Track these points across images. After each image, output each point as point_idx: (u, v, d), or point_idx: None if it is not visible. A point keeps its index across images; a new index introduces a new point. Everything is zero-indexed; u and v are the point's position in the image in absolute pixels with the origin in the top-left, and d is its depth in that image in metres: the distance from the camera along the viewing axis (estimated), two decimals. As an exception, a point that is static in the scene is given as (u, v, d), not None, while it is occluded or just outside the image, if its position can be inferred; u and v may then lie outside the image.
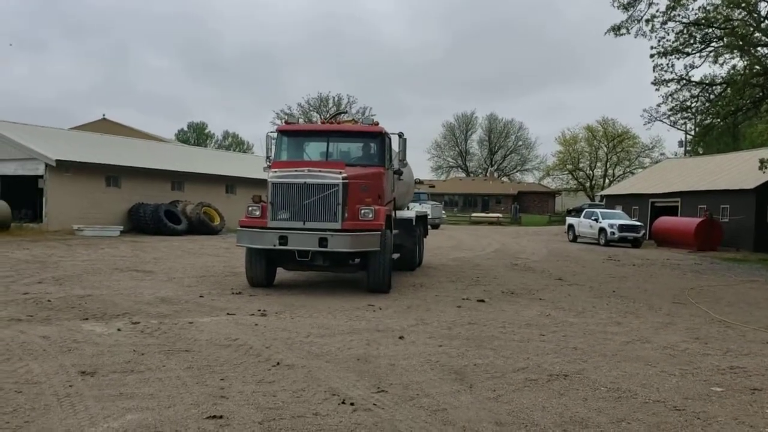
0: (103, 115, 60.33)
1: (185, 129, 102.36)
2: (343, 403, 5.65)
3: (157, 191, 32.56)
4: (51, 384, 6.02)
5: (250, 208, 12.42)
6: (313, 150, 14.60)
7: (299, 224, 11.96)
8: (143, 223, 29.97)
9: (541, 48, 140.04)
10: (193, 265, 17.01)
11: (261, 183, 45.65)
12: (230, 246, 24.55)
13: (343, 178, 12.05)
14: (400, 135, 13.94)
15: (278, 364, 6.95)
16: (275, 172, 12.46)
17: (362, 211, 12.14)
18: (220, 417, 5.20)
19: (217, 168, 38.47)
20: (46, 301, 10.54)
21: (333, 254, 12.21)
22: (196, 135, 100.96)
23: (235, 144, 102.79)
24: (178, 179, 34.48)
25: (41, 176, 28.21)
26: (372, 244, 12.05)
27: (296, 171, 12.33)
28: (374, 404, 5.65)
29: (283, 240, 11.82)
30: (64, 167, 28.06)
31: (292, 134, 14.59)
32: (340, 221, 11.93)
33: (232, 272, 15.57)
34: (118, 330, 8.50)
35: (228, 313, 9.96)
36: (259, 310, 10.23)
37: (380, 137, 13.88)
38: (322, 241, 11.71)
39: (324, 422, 5.17)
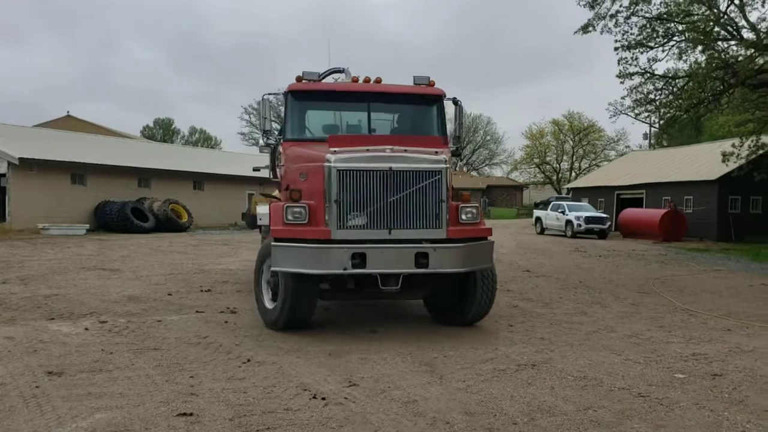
0: (68, 111, 59.34)
1: (151, 125, 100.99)
2: (314, 398, 5.68)
3: (124, 188, 32.19)
4: (16, 385, 5.93)
5: (288, 209, 8.03)
6: (343, 120, 10.62)
7: (383, 234, 7.97)
8: (110, 220, 29.59)
9: (539, 41, 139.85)
10: (161, 263, 16.84)
11: (231, 179, 45.00)
12: (199, 243, 24.40)
13: (445, 162, 8.28)
14: (455, 101, 10.14)
15: (249, 360, 6.95)
16: (337, 153, 8.09)
17: (465, 210, 8.51)
18: (190, 414, 5.19)
19: (185, 164, 38.12)
20: (10, 302, 10.36)
21: (433, 278, 8.55)
22: (162, 131, 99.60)
23: (202, 140, 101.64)
24: (144, 176, 34.09)
25: (4, 174, 27.68)
26: (486, 259, 8.58)
27: (373, 151, 8.14)
28: (345, 398, 5.69)
29: (360, 260, 7.73)
30: (27, 165, 27.58)
31: (311, 97, 10.06)
32: (444, 227, 8.13)
33: (200, 270, 15.46)
34: (86, 329, 8.40)
35: (197, 311, 9.90)
36: (228, 308, 10.19)
37: (440, 102, 10.11)
38: (420, 259, 7.85)
39: (295, 417, 5.19)
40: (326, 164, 8.02)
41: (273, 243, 7.98)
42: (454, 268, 8.03)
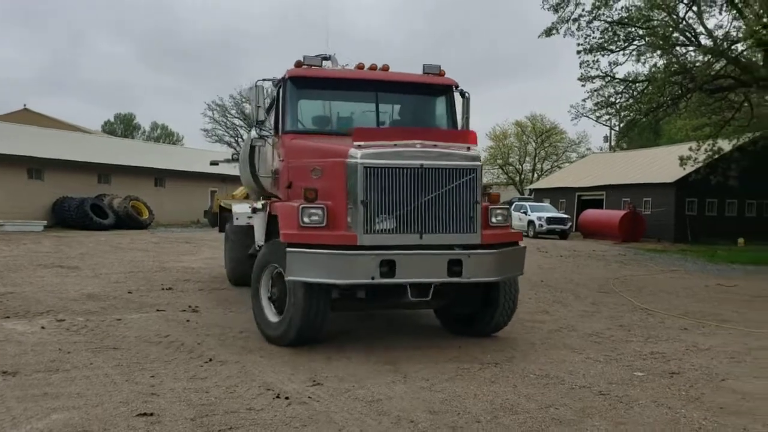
0: (24, 105, 57.89)
1: (111, 120, 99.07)
2: (277, 397, 5.63)
3: (83, 184, 31.59)
4: (-31, 385, 5.76)
5: (305, 210, 7.08)
6: (347, 111, 9.55)
7: (413, 238, 7.19)
8: (68, 217, 29.01)
9: (517, 40, 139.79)
10: (121, 261, 16.54)
11: (193, 176, 44.45)
12: (160, 240, 24.05)
13: (479, 159, 7.67)
14: (462, 93, 9.34)
15: (211, 360, 6.86)
16: (362, 147, 7.21)
17: (495, 212, 7.83)
18: (151, 414, 5.10)
19: (146, 160, 37.54)
20: (-38, 300, 10.07)
21: (463, 287, 7.81)
22: (123, 126, 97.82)
23: (164, 135, 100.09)
24: (104, 172, 33.50)
25: (-44, 169, 26.92)
26: (519, 267, 8.03)
27: (401, 146, 7.29)
28: (309, 397, 5.66)
29: (388, 268, 6.94)
30: (-20, 159, 26.85)
31: (314, 85, 9.10)
32: (478, 230, 7.42)
33: (161, 268, 15.23)
34: (42, 328, 8.20)
35: (158, 310, 9.74)
36: (190, 306, 10.05)
37: (451, 92, 9.35)
38: (453, 266, 7.14)
39: (258, 417, 5.14)
40: (350, 160, 7.15)
41: (288, 249, 6.96)
42: (488, 276, 7.38)
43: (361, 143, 7.22)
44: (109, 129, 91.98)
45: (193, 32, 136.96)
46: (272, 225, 8.20)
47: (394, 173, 7.12)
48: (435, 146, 7.33)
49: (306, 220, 7.05)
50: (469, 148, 7.56)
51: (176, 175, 37.70)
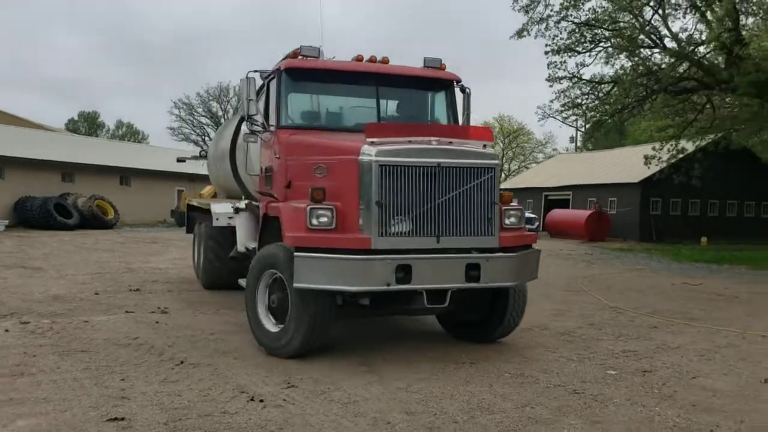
0: (-17, 101, 56.40)
1: (75, 118, 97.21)
2: (252, 400, 5.54)
3: (46, 183, 30.97)
4: (-70, 391, 5.57)
5: (313, 211, 6.62)
6: (345, 105, 9.01)
7: (430, 242, 6.79)
8: (31, 217, 28.43)
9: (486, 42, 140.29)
10: (87, 261, 16.22)
11: (159, 175, 43.86)
12: (126, 240, 23.66)
13: (496, 157, 7.39)
14: (463, 89, 8.94)
15: (182, 362, 6.73)
16: (376, 144, 6.74)
17: (509, 213, 7.43)
18: (122, 419, 4.98)
19: (111, 159, 36.92)
20: None
21: (474, 292, 7.42)
22: (87, 124, 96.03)
23: (129, 134, 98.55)
24: (68, 171, 32.88)
25: None
26: (534, 271, 7.85)
27: (416, 143, 6.86)
28: (284, 400, 5.58)
29: (404, 272, 6.52)
30: (-62, 157, 26.12)
31: (312, 77, 8.59)
32: (496, 233, 7.11)
33: (128, 268, 14.96)
34: (6, 331, 7.97)
35: (126, 311, 9.55)
36: (159, 308, 9.87)
37: (452, 87, 8.97)
38: (471, 271, 6.80)
39: (233, 420, 5.06)
40: (363, 158, 6.68)
41: (296, 254, 6.44)
42: (506, 281, 7.04)
43: (375, 140, 6.75)
44: (72, 127, 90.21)
45: (158, 29, 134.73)
46: (267, 227, 7.87)
47: (411, 172, 6.69)
48: (451, 143, 6.95)
49: (314, 222, 6.59)
50: (485, 146, 7.20)
51: (142, 173, 37.16)
